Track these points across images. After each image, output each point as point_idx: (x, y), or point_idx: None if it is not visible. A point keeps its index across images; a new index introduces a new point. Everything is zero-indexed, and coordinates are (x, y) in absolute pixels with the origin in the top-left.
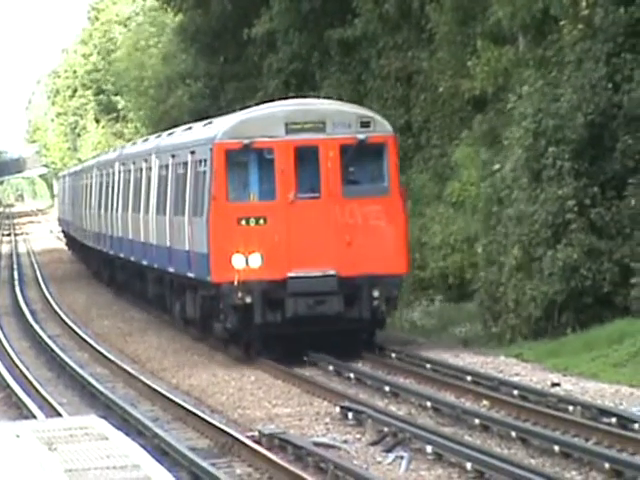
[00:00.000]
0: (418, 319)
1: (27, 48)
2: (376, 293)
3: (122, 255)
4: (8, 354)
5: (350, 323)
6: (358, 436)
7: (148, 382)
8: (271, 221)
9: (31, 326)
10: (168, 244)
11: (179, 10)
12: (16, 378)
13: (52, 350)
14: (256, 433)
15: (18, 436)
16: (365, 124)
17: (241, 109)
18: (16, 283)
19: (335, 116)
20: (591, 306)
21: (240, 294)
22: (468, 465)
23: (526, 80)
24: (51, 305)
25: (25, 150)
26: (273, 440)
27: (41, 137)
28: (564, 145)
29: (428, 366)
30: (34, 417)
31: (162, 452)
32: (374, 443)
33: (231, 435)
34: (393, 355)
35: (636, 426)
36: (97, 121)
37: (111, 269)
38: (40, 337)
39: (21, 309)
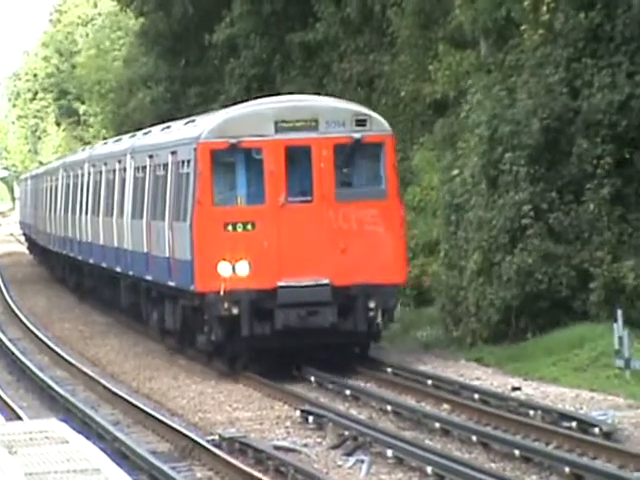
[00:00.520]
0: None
1: None
2: (372, 304)
3: (91, 261)
4: None
5: (344, 336)
6: (319, 440)
7: (109, 385)
8: (260, 226)
9: None
10: (145, 250)
11: (140, 13)
12: None
13: (12, 353)
14: (216, 437)
15: None
16: (361, 122)
17: (203, 112)
18: None
19: (328, 113)
20: (547, 311)
21: (226, 304)
22: (429, 469)
23: (478, 89)
24: (11, 308)
25: None
26: (233, 444)
27: (1, 140)
28: (520, 150)
29: (389, 370)
30: None
31: (122, 456)
32: (335, 447)
33: (191, 439)
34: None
35: (596, 430)
36: (58, 124)
37: (78, 275)
38: (0, 340)
39: None
